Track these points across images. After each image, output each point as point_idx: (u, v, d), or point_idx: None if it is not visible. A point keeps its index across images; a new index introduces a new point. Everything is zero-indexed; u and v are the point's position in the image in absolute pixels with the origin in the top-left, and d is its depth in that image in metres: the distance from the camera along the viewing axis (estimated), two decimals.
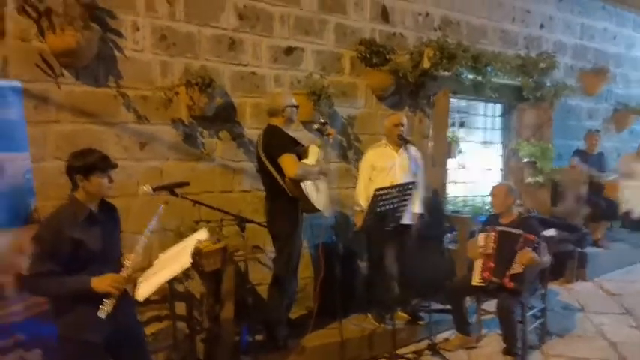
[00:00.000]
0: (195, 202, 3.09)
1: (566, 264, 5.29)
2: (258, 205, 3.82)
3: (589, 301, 4.74)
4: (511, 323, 3.48)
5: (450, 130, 5.26)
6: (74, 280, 2.17)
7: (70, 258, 2.16)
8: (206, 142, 3.82)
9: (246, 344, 3.24)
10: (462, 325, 3.80)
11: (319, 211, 3.42)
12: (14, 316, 2.53)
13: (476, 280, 3.63)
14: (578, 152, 5.94)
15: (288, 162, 3.21)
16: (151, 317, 3.08)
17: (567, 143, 6.22)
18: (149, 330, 3.06)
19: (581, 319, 4.34)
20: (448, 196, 5.34)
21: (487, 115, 5.83)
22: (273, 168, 3.29)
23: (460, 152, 5.50)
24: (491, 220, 3.84)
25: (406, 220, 3.75)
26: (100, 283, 2.16)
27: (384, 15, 4.76)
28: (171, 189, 2.91)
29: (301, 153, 3.41)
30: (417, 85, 4.83)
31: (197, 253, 2.94)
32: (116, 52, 3.43)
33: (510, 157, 5.84)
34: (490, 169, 5.90)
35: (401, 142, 3.91)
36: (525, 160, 5.58)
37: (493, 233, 3.66)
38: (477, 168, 5.82)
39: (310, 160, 3.40)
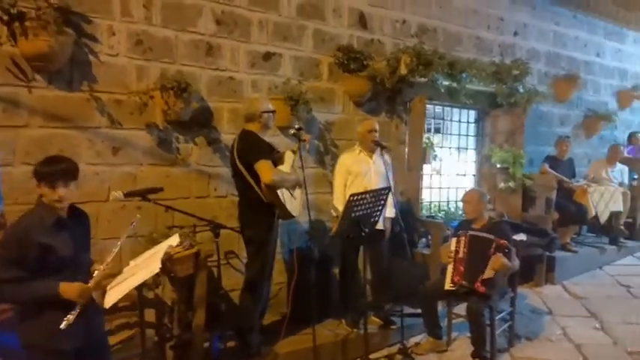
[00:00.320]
0: (168, 208, 3.08)
1: (535, 268, 5.43)
2: (233, 211, 3.82)
3: (556, 305, 4.88)
4: (480, 327, 3.57)
5: (426, 135, 5.35)
6: (42, 286, 2.14)
7: (37, 264, 2.14)
8: (182, 147, 3.82)
9: (217, 351, 3.25)
10: (433, 329, 3.88)
11: (294, 216, 3.46)
12: None
13: (447, 285, 3.71)
14: (548, 158, 6.10)
15: (264, 168, 3.22)
16: (120, 325, 3.06)
17: (539, 149, 6.38)
18: (118, 338, 3.05)
19: (549, 323, 4.47)
20: (423, 201, 5.43)
21: (462, 122, 5.93)
22: (248, 173, 3.30)
23: (435, 158, 5.61)
24: (464, 225, 3.93)
25: (380, 225, 3.81)
26: (68, 290, 2.15)
27: (362, 21, 4.81)
28: (143, 195, 2.89)
29: (277, 159, 3.43)
30: (394, 91, 4.91)
31: (168, 259, 2.94)
32: (91, 57, 3.40)
33: (484, 162, 5.97)
34: (464, 175, 6.02)
35: (376, 147, 3.97)
36: (498, 166, 5.71)
37: (464, 238, 3.74)
38: (451, 173, 5.92)
39: (286, 166, 3.42)
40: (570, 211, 5.83)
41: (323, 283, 3.84)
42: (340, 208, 3.84)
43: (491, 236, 3.65)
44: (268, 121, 3.50)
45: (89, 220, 2.48)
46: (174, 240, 2.94)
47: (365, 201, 3.35)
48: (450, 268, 3.75)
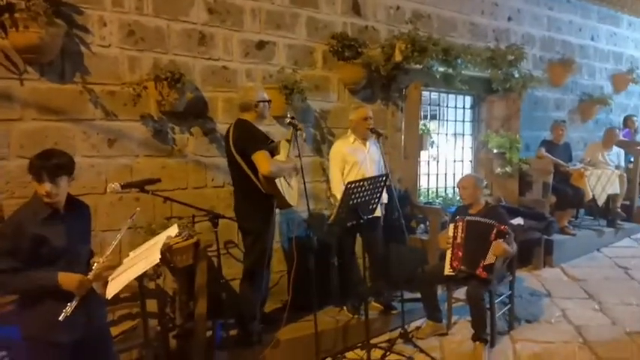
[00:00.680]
0: (166, 199, 3.07)
1: (533, 251, 5.46)
2: (231, 201, 3.81)
3: (555, 287, 4.91)
4: (480, 310, 3.59)
5: (422, 122, 5.34)
6: (40, 276, 2.15)
7: (31, 255, 2.14)
8: (177, 137, 3.79)
9: (220, 340, 3.26)
10: (433, 313, 3.90)
11: (292, 206, 3.45)
12: None
13: (447, 271, 3.72)
14: (545, 142, 6.11)
15: (261, 159, 3.20)
16: (122, 315, 3.07)
17: (535, 134, 6.39)
18: (121, 328, 3.05)
19: (548, 305, 4.50)
20: (420, 187, 5.43)
21: (458, 108, 5.93)
22: (245, 164, 3.28)
23: (432, 144, 5.61)
24: (461, 211, 3.94)
25: (377, 212, 3.81)
26: (67, 280, 2.15)
27: (356, 8, 4.78)
28: (140, 186, 2.88)
29: (273, 149, 3.41)
30: (389, 79, 4.89)
31: (168, 250, 2.94)
32: (82, 48, 3.36)
33: (480, 148, 5.98)
34: (461, 161, 6.02)
35: (373, 134, 3.96)
36: (495, 151, 5.71)
37: (461, 223, 3.76)
38: (448, 160, 5.93)
39: (282, 155, 3.41)
40: (567, 194, 5.85)
41: (322, 271, 3.84)
42: (339, 196, 3.84)
43: (490, 221, 3.66)
44: (264, 111, 3.48)
45: (89, 211, 2.48)
46: (173, 231, 2.94)
47: (363, 189, 3.35)
48: (448, 254, 3.77)
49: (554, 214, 5.78)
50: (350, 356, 3.55)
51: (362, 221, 3.41)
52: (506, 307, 4.03)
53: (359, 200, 3.35)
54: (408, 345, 3.66)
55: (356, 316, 3.86)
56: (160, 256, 2.41)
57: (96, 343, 2.35)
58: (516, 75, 5.57)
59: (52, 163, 2.15)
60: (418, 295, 3.99)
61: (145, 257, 2.44)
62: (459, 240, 3.74)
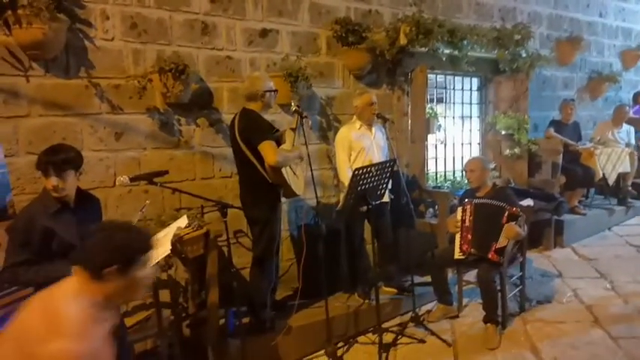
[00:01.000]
0: (175, 190, 3.10)
1: (543, 232, 5.44)
2: (239, 191, 3.83)
3: (566, 267, 4.90)
4: (491, 292, 3.59)
5: (429, 106, 5.30)
6: (56, 269, 2.18)
7: (42, 248, 2.19)
8: (184, 129, 3.80)
9: (233, 327, 3.30)
10: (444, 297, 3.91)
11: (298, 195, 3.46)
12: None
13: (457, 254, 3.72)
14: (553, 122, 6.04)
15: (268, 149, 3.19)
16: (136, 306, 3.11)
17: (543, 114, 6.31)
18: (135, 319, 3.10)
19: (559, 285, 4.49)
20: (428, 171, 5.42)
21: (464, 90, 5.87)
22: (251, 153, 3.28)
23: (439, 128, 5.57)
24: (468, 194, 3.93)
25: (385, 197, 3.81)
26: None
27: None
28: (149, 178, 2.91)
29: (279, 138, 3.41)
30: (394, 63, 4.84)
31: (179, 241, 2.97)
32: (86, 42, 3.37)
33: (488, 130, 5.93)
34: (469, 144, 5.98)
35: (378, 119, 3.94)
36: (503, 133, 5.66)
37: (469, 206, 3.75)
38: (456, 143, 5.89)
39: (287, 144, 3.41)
40: (577, 174, 5.80)
41: (332, 257, 3.86)
42: (347, 182, 3.83)
43: (501, 204, 3.64)
44: (270, 101, 3.47)
45: (100, 204, 2.52)
46: (182, 222, 2.98)
47: (370, 174, 3.35)
48: (457, 238, 3.77)
49: (564, 194, 5.75)
50: (362, 340, 3.58)
51: (370, 207, 3.42)
52: (517, 289, 4.03)
53: (367, 186, 3.35)
54: (420, 328, 3.68)
55: (366, 301, 3.89)
56: (171, 247, 2.44)
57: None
58: (523, 55, 5.49)
59: (59, 158, 2.19)
60: (428, 279, 4.00)
61: (157, 248, 2.47)
62: (467, 223, 3.73)
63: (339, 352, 3.40)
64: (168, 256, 2.79)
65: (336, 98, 4.61)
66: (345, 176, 3.87)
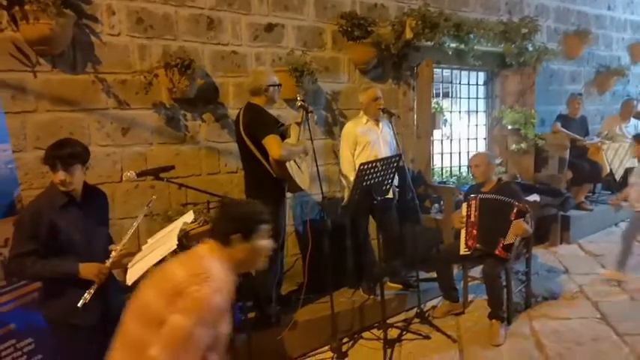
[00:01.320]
0: (181, 185, 3.10)
1: (550, 228, 5.42)
2: (244, 186, 3.84)
3: (572, 263, 4.89)
4: (496, 288, 3.59)
5: (434, 100, 5.28)
6: (61, 264, 2.22)
7: (49, 241, 2.21)
8: (189, 124, 3.81)
9: (239, 322, 3.32)
10: (449, 293, 3.92)
11: (303, 190, 3.46)
12: (4, 306, 2.58)
13: (462, 250, 3.72)
14: (560, 117, 6.01)
15: (272, 143, 3.20)
16: None
17: (550, 108, 6.27)
18: None
19: (565, 281, 4.49)
20: (434, 166, 5.40)
21: (471, 84, 5.83)
22: (255, 148, 3.29)
23: (445, 123, 5.55)
24: (473, 189, 3.93)
25: (390, 193, 3.81)
26: (86, 270, 2.23)
27: None
28: (155, 174, 2.91)
29: (284, 132, 3.41)
30: (400, 57, 4.82)
31: (185, 236, 2.97)
32: (92, 38, 3.37)
33: (494, 125, 5.90)
34: (475, 139, 5.95)
35: (385, 114, 3.93)
36: (509, 128, 5.63)
37: (474, 202, 3.74)
38: (462, 138, 5.86)
39: (292, 139, 3.41)
40: (584, 169, 5.77)
41: (337, 253, 3.87)
42: (351, 176, 3.84)
43: (509, 200, 3.63)
44: (274, 95, 3.47)
45: (107, 199, 2.54)
46: (188, 217, 2.97)
47: (376, 170, 3.35)
48: (463, 233, 3.76)
49: (571, 189, 5.72)
50: (367, 336, 3.60)
51: (375, 202, 3.42)
52: (523, 285, 4.03)
53: (372, 181, 3.35)
54: (425, 324, 3.69)
55: (372, 297, 3.89)
56: (177, 242, 2.45)
57: (115, 329, 2.41)
58: (530, 48, 5.45)
59: (65, 152, 2.21)
60: (434, 275, 4.00)
61: (163, 243, 2.48)
62: (472, 218, 3.73)
63: (344, 348, 3.42)
64: (174, 251, 2.80)
65: (342, 93, 4.60)
66: (348, 170, 3.89)
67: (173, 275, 1.60)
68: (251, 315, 3.42)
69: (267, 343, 3.28)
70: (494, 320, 3.57)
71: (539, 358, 3.25)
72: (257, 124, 3.29)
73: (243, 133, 3.33)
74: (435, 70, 5.05)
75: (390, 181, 3.53)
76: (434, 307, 3.97)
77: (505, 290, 3.67)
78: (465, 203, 3.82)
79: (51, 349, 2.54)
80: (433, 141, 5.28)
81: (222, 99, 3.94)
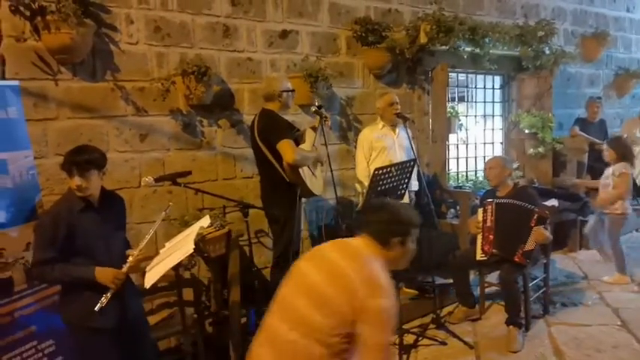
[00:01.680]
0: (198, 191, 3.15)
1: (569, 233, 5.33)
2: (260, 191, 3.87)
3: (592, 269, 4.80)
4: (514, 294, 3.55)
5: (450, 105, 5.25)
6: (78, 269, 2.27)
7: (69, 246, 2.25)
8: (206, 130, 3.86)
9: (254, 326, 3.34)
10: (466, 298, 3.88)
11: (315, 195, 3.48)
12: (26, 309, 2.64)
13: (479, 256, 3.69)
14: (579, 120, 5.92)
15: (286, 148, 3.23)
16: (160, 304, 3.18)
17: (568, 112, 6.19)
18: (159, 316, 3.17)
19: (585, 287, 4.41)
20: (450, 171, 5.37)
21: (487, 88, 5.79)
22: (269, 153, 3.32)
23: (461, 127, 5.51)
24: (489, 194, 3.89)
25: (405, 197, 3.80)
26: (102, 275, 2.27)
27: None
28: (173, 179, 2.97)
29: (298, 138, 3.44)
30: (415, 62, 4.82)
31: (201, 240, 3.02)
32: (111, 46, 3.45)
33: (511, 129, 5.84)
34: (491, 143, 5.90)
35: (400, 119, 3.93)
36: (526, 132, 5.58)
37: (490, 207, 3.71)
38: (478, 142, 5.82)
39: (307, 144, 3.43)
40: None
41: None
42: (366, 182, 3.84)
43: (523, 204, 3.59)
44: (288, 100, 3.51)
45: (124, 204, 2.58)
46: (205, 221, 3.01)
47: (390, 174, 3.35)
48: (479, 239, 3.73)
49: (590, 194, 5.61)
50: None
51: None
52: (541, 291, 3.97)
53: (387, 186, 3.35)
54: (441, 330, 3.66)
55: None
56: (194, 247, 2.49)
57: (132, 331, 2.45)
58: (547, 51, 5.39)
59: (82, 159, 2.25)
60: (450, 281, 3.97)
61: (180, 248, 2.52)
62: (489, 223, 3.69)
63: None
64: (191, 255, 2.84)
65: (356, 98, 4.62)
66: (362, 175, 3.92)
67: (345, 272, 1.69)
68: None
69: None
70: (511, 326, 3.52)
71: None
72: (271, 129, 3.32)
73: (257, 138, 3.37)
74: (450, 74, 5.02)
75: (405, 185, 3.53)
76: (450, 313, 3.94)
77: (523, 296, 3.62)
78: (481, 208, 3.79)
79: (71, 351, 2.59)
80: (449, 145, 5.25)
81: (238, 105, 3.99)
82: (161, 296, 3.27)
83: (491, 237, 3.65)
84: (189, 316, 3.11)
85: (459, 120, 5.48)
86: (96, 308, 2.21)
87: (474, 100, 5.80)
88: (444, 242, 4.33)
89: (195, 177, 3.57)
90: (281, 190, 3.36)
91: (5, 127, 2.64)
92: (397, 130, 3.99)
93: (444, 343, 3.49)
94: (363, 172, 3.90)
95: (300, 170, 3.29)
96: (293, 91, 3.54)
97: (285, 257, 3.44)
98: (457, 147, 5.63)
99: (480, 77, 5.70)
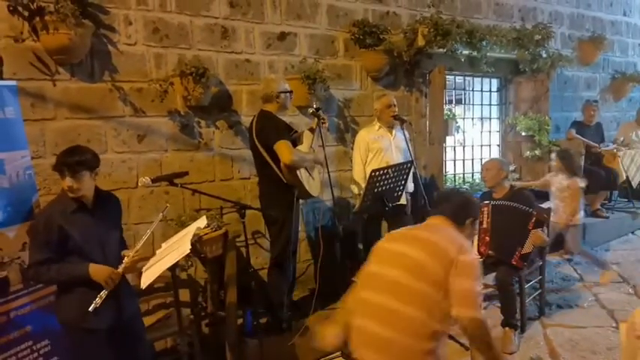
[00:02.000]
0: (195, 191, 3.15)
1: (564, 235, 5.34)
2: (257, 192, 3.88)
3: (588, 271, 4.81)
4: (509, 296, 3.55)
5: (447, 107, 5.27)
6: (73, 268, 2.27)
7: (63, 247, 2.25)
8: (203, 131, 3.87)
9: (251, 327, 3.35)
10: None
11: (313, 196, 3.49)
12: (22, 309, 2.64)
13: None
14: (575, 123, 5.95)
15: (283, 149, 3.24)
16: (157, 305, 3.19)
17: (565, 115, 6.22)
18: (155, 317, 3.17)
19: (580, 289, 4.42)
20: (447, 173, 5.39)
21: (484, 91, 5.82)
22: (267, 154, 3.33)
23: (458, 129, 5.53)
24: (485, 196, 3.90)
25: (402, 199, 3.81)
26: (97, 273, 2.26)
27: None
28: (170, 179, 2.96)
29: (296, 139, 3.45)
30: (412, 64, 4.84)
31: (198, 241, 3.02)
32: (110, 47, 3.46)
33: (508, 131, 5.87)
34: (488, 145, 5.93)
35: (397, 121, 3.94)
36: (523, 134, 5.60)
37: (486, 208, 3.72)
38: (475, 144, 5.84)
39: (305, 145, 3.44)
40: (600, 176, 5.69)
41: (349, 259, 3.87)
42: (362, 184, 3.86)
43: (520, 206, 3.60)
44: (285, 102, 3.52)
45: (119, 203, 2.57)
46: (202, 222, 3.01)
47: (387, 176, 3.36)
48: (475, 240, 3.73)
49: (587, 197, 5.64)
50: None
51: (387, 209, 3.42)
52: (537, 292, 3.98)
53: (384, 188, 3.36)
54: None
55: None
56: (190, 247, 2.49)
57: (128, 332, 2.45)
58: (544, 55, 5.42)
59: (73, 160, 2.24)
60: None
61: (177, 248, 2.52)
62: (484, 225, 3.70)
63: None
64: (187, 256, 2.84)
65: (354, 100, 4.63)
66: (358, 176, 3.93)
67: (441, 246, 1.97)
68: (263, 320, 3.44)
69: (279, 349, 3.29)
70: (507, 328, 3.52)
71: None
72: (269, 130, 3.33)
73: (255, 139, 3.37)
74: (447, 76, 5.05)
75: (402, 187, 3.54)
76: None
77: (518, 298, 3.63)
78: None
79: (66, 351, 2.59)
80: (446, 147, 5.27)
81: (236, 106, 4.00)
82: (157, 297, 3.28)
83: (487, 238, 3.66)
84: (185, 317, 3.11)
85: (456, 122, 5.49)
86: (90, 309, 2.20)
87: (472, 103, 5.82)
88: None
89: (193, 178, 3.57)
90: (279, 191, 3.37)
91: (2, 127, 2.65)
92: (394, 132, 4.00)
93: None
94: (360, 173, 3.92)
95: (298, 171, 3.30)
96: (291, 92, 3.55)
97: (283, 258, 3.46)
98: (454, 149, 5.65)
99: (477, 80, 5.73)
